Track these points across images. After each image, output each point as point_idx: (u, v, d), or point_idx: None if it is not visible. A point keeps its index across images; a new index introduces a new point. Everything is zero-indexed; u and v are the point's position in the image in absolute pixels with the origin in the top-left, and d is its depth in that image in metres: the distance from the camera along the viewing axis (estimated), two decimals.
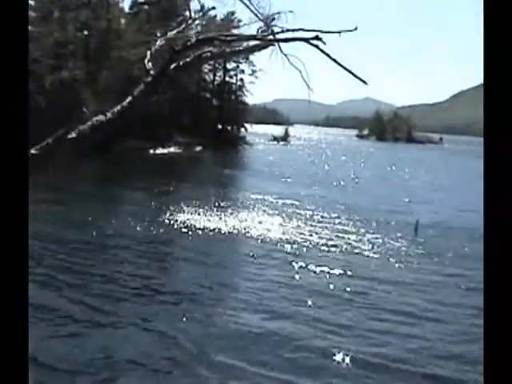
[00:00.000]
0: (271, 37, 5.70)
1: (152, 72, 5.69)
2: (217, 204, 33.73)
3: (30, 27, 76.09)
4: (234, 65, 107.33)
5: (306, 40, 5.39)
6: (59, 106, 64.50)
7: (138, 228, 26.16)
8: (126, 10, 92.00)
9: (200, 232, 25.89)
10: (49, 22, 76.38)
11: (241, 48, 6.09)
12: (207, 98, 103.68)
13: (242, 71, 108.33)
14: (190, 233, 25.66)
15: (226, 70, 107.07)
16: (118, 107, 5.37)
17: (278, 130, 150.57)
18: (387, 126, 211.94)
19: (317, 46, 5.32)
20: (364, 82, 5.70)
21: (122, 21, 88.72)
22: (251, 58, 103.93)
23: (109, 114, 5.28)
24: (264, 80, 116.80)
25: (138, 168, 56.38)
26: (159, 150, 76.62)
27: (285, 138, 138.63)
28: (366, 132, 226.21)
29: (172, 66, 5.66)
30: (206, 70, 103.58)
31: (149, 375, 12.02)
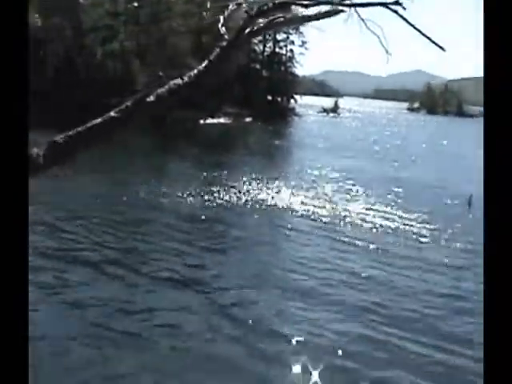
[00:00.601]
0: (349, 1, 5.67)
1: (226, 36, 5.70)
2: (268, 176, 33.26)
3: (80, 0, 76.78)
4: (284, 36, 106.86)
5: (385, 5, 5.35)
6: (110, 77, 65.13)
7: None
8: None
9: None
10: None
11: (314, 13, 6.06)
12: (257, 69, 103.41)
13: (292, 42, 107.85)
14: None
15: (275, 41, 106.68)
16: (195, 71, 5.41)
17: (327, 102, 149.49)
18: (438, 100, 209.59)
19: (396, 12, 5.28)
20: (442, 48, 5.63)
21: None
22: (301, 28, 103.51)
23: (186, 78, 5.32)
24: (314, 51, 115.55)
25: (187, 138, 56.48)
26: (209, 121, 76.77)
27: (334, 109, 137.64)
28: (416, 105, 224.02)
29: (246, 31, 5.67)
30: (255, 41, 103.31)
31: None
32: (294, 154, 51.92)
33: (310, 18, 6.16)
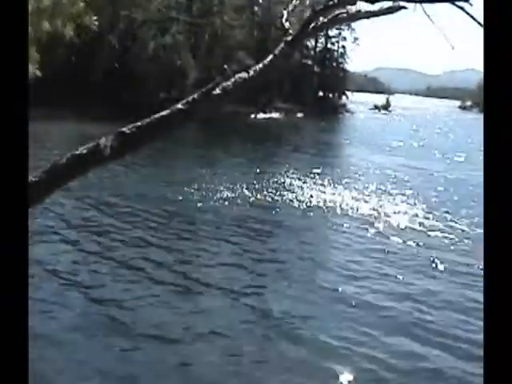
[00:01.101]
0: None
1: (291, 31, 5.72)
2: (320, 175, 32.95)
3: None
4: (336, 32, 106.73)
5: (452, 1, 5.30)
6: (162, 70, 65.56)
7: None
8: None
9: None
10: None
11: (377, 9, 6.05)
12: (309, 64, 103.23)
13: (344, 38, 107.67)
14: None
15: (327, 37, 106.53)
16: (260, 65, 5.43)
17: (378, 99, 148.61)
18: None
19: (462, 8, 5.23)
20: None
21: None
22: (353, 25, 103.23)
23: (251, 72, 5.34)
24: (366, 48, 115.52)
25: (239, 133, 56.62)
26: (260, 116, 76.90)
27: (386, 106, 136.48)
28: (468, 103, 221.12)
29: (310, 26, 5.67)
30: None
31: None
32: (345, 152, 51.54)
33: (373, 14, 6.13)
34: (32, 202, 4.54)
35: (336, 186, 29.82)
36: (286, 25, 5.86)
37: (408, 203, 26.83)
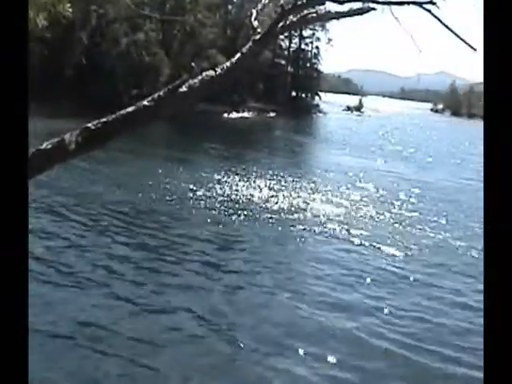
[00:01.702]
0: None
1: (259, 30, 5.73)
2: (291, 177, 32.54)
3: None
4: (310, 32, 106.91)
5: (419, 4, 5.35)
6: (134, 67, 65.38)
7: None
8: None
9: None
10: None
11: (346, 10, 6.08)
12: (282, 64, 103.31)
13: (318, 39, 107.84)
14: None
15: (301, 37, 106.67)
16: (228, 63, 5.44)
17: (351, 100, 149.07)
18: (462, 101, 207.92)
19: (429, 11, 5.28)
20: (474, 48, 5.60)
21: None
22: (327, 25, 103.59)
23: (218, 70, 5.35)
24: (339, 49, 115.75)
25: (209, 132, 56.49)
26: (233, 115, 76.83)
27: (359, 108, 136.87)
28: (440, 106, 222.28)
29: (279, 25, 5.68)
30: (281, 37, 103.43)
31: None
32: (316, 153, 51.59)
33: (342, 15, 6.17)
34: None
35: (295, 187, 29.37)
36: (255, 23, 5.87)
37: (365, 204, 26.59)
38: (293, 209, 24.11)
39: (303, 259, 18.46)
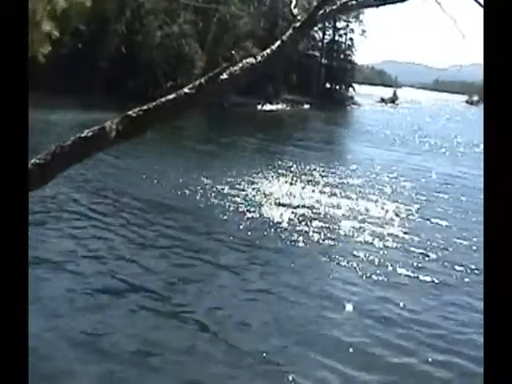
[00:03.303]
0: None
1: (299, 17, 5.68)
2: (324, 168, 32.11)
3: None
4: (344, 24, 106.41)
5: None
6: (168, 58, 65.66)
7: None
8: None
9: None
10: None
11: None
12: (316, 56, 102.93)
13: (352, 30, 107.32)
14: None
15: (335, 29, 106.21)
16: (268, 51, 5.39)
17: (385, 92, 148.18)
18: None
19: None
20: None
21: None
22: (361, 17, 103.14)
23: (259, 57, 5.31)
24: (374, 40, 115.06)
25: (245, 124, 56.42)
26: (267, 107, 76.75)
27: (393, 100, 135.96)
28: (475, 98, 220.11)
29: (319, 13, 5.63)
30: (315, 29, 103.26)
31: None
32: (351, 146, 51.00)
33: (383, 2, 6.09)
34: (35, 184, 4.54)
35: (329, 185, 27.73)
36: (295, 11, 5.83)
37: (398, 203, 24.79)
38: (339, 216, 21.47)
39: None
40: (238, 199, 22.58)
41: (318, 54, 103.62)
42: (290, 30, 5.53)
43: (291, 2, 6.00)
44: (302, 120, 71.40)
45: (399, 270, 16.10)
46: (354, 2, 5.93)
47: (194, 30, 73.31)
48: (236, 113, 61.87)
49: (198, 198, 22.64)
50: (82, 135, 4.64)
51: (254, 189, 24.69)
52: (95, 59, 64.86)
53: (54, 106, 44.12)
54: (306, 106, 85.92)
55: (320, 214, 21.57)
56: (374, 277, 15.45)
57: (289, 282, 14.76)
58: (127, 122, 4.74)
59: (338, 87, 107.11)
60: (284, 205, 22.40)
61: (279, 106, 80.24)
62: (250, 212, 20.82)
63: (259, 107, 74.80)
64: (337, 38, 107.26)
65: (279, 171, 30.21)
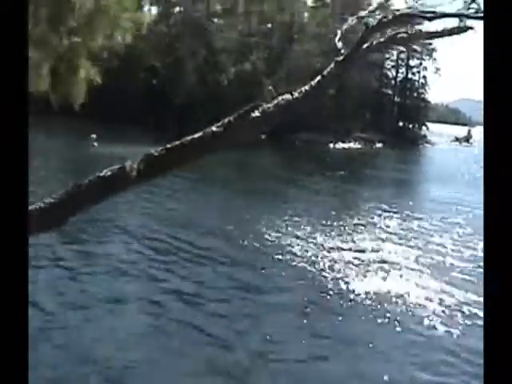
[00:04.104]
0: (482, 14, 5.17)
1: (343, 51, 5.33)
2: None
3: (215, 20, 78.89)
4: (417, 62, 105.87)
5: None
6: (240, 96, 66.18)
7: None
8: (310, 3, 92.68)
9: None
10: (234, 14, 78.36)
11: (440, 29, 5.61)
12: (389, 94, 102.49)
13: (425, 68, 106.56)
14: None
15: (408, 67, 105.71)
16: (306, 87, 5.05)
17: (459, 131, 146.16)
18: None
19: None
20: None
21: (306, 14, 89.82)
22: (435, 55, 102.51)
23: (295, 94, 4.98)
24: (448, 78, 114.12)
25: (316, 163, 55.76)
26: (339, 145, 76.42)
27: (467, 139, 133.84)
28: None
29: (364, 46, 5.27)
30: (388, 67, 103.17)
31: None
32: (422, 187, 49.50)
33: (435, 34, 5.70)
34: (50, 224, 4.37)
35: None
36: (339, 45, 5.49)
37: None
38: None
39: None
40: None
41: (390, 92, 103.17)
42: (332, 65, 5.19)
43: (335, 35, 5.65)
44: (374, 159, 70.45)
45: None
46: (402, 35, 5.55)
47: (267, 68, 73.92)
48: (307, 151, 61.61)
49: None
50: (101, 174, 4.39)
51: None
52: (169, 95, 66.03)
53: (124, 140, 44.60)
54: (379, 145, 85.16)
55: None
56: None
57: None
58: (149, 161, 4.46)
59: (411, 126, 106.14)
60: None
61: (351, 145, 79.80)
62: None
63: (331, 145, 74.49)
64: (410, 75, 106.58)
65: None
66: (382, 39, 5.42)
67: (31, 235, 4.58)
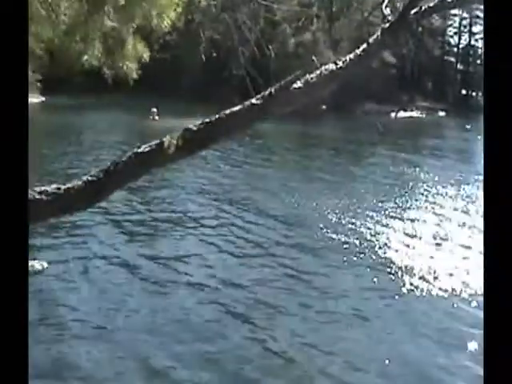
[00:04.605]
0: None
1: (390, 18, 5.12)
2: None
3: None
4: (480, 28, 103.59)
5: None
6: (302, 67, 65.72)
7: None
8: None
9: None
10: None
11: None
12: (451, 61, 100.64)
13: None
14: None
15: (471, 34, 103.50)
16: (351, 55, 4.87)
17: None
18: None
19: None
20: None
21: None
22: None
23: (340, 63, 4.80)
24: None
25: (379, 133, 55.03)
26: (401, 114, 75.48)
27: None
28: None
29: (412, 12, 5.05)
30: (450, 34, 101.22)
31: None
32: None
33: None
34: (88, 201, 4.35)
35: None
36: (386, 11, 5.28)
37: None
38: None
39: None
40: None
41: (453, 59, 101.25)
42: (378, 32, 4.98)
43: (383, 1, 5.44)
44: (438, 128, 69.11)
45: None
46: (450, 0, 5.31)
47: (327, 38, 73.24)
48: (368, 121, 60.82)
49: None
50: (138, 151, 4.31)
51: None
52: (229, 67, 66.05)
53: (184, 113, 44.74)
54: (442, 114, 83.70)
55: None
56: None
57: None
58: (188, 136, 4.37)
59: (474, 94, 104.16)
60: None
61: (413, 114, 78.65)
62: None
63: (393, 115, 73.62)
64: (473, 42, 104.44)
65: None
66: (431, 4, 5.18)
67: (69, 213, 4.57)
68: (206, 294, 13.82)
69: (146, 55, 7.65)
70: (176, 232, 18.81)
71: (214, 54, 68.86)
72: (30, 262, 4.68)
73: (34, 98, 53.77)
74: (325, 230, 18.87)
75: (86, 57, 7.28)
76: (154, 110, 48.91)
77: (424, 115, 79.55)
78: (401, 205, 23.29)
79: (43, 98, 58.56)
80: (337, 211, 21.12)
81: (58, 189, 4.23)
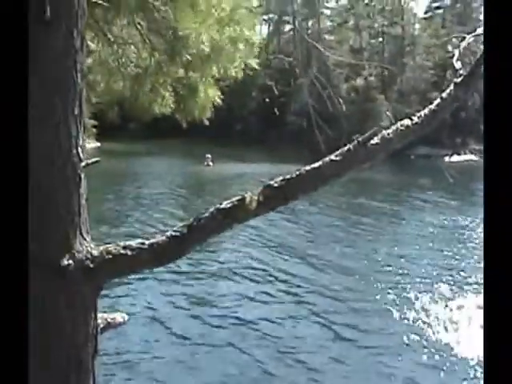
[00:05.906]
0: None
1: (462, 72, 5.19)
2: None
3: (325, 36, 79.08)
4: None
5: None
6: (354, 113, 65.94)
7: None
8: (421, 15, 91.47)
9: None
10: (344, 29, 78.37)
11: None
12: None
13: None
14: None
15: None
16: (426, 111, 4.93)
17: None
18: None
19: None
20: None
21: (417, 26, 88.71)
22: None
23: (415, 119, 4.87)
24: None
25: (433, 177, 54.70)
26: (454, 158, 74.85)
27: None
28: None
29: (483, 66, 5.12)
30: None
31: None
32: None
33: None
34: (171, 257, 4.48)
35: None
36: (457, 65, 5.34)
37: None
38: None
39: None
40: None
41: None
42: (451, 87, 5.05)
43: (453, 54, 5.51)
44: None
45: None
46: None
47: (380, 83, 73.49)
48: (422, 164, 60.52)
49: None
50: (221, 207, 4.44)
51: None
52: (282, 113, 66.49)
53: (237, 158, 45.26)
54: None
55: None
56: None
57: None
58: (268, 192, 4.48)
59: None
60: None
61: (467, 157, 77.91)
62: None
63: (446, 159, 73.06)
64: None
65: None
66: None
67: (150, 268, 4.68)
68: None
69: (218, 98, 7.85)
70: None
71: (267, 100, 69.49)
72: (113, 314, 4.76)
73: (90, 144, 54.67)
74: None
75: (156, 106, 7.52)
76: (209, 156, 49.72)
77: (478, 158, 78.85)
78: None
79: (98, 144, 59.49)
80: None
81: (143, 244, 4.34)
